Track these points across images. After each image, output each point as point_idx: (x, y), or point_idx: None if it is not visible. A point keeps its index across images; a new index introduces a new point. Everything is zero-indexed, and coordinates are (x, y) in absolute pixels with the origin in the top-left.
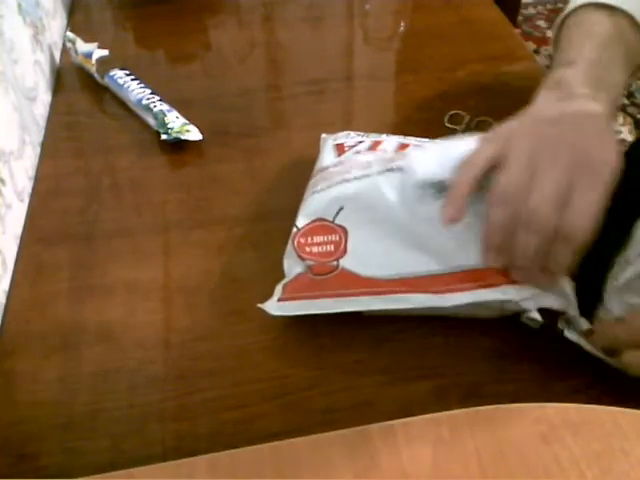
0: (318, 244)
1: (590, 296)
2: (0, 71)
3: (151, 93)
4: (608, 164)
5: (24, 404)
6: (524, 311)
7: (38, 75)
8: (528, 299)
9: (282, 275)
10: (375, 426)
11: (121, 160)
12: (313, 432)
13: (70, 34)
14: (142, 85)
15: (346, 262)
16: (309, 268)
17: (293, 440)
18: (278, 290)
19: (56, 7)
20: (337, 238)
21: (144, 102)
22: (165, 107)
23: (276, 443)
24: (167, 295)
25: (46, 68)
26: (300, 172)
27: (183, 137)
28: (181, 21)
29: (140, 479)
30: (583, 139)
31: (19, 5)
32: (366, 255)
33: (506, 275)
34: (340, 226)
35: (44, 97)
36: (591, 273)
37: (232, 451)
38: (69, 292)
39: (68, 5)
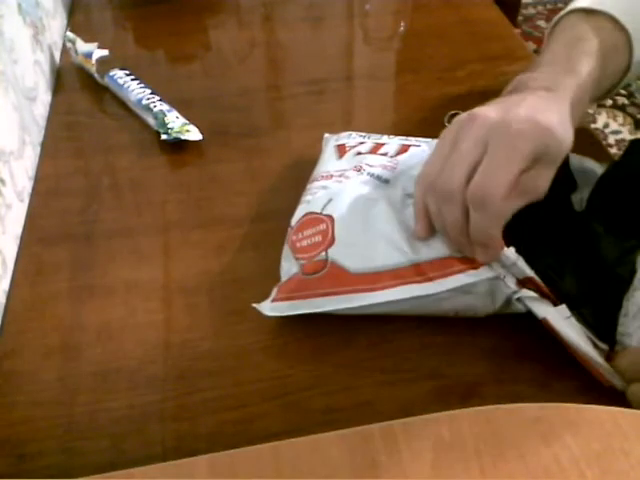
0: (307, 237)
1: (608, 339)
2: (0, 71)
3: (151, 93)
4: (527, 135)
5: (24, 404)
6: (514, 292)
7: (38, 75)
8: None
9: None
10: (375, 426)
11: (121, 160)
12: (313, 432)
13: (70, 34)
14: (142, 85)
15: (334, 252)
16: (301, 267)
17: (293, 440)
18: (274, 291)
19: (56, 7)
20: (324, 227)
21: (144, 102)
22: (165, 107)
23: (276, 443)
24: (167, 295)
25: (46, 68)
26: (300, 172)
27: (183, 137)
28: (181, 21)
29: (140, 479)
30: (509, 115)
31: (19, 5)
32: (352, 243)
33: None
34: (327, 215)
35: (44, 97)
36: (605, 316)
37: (232, 451)
38: (69, 292)
39: (68, 5)
